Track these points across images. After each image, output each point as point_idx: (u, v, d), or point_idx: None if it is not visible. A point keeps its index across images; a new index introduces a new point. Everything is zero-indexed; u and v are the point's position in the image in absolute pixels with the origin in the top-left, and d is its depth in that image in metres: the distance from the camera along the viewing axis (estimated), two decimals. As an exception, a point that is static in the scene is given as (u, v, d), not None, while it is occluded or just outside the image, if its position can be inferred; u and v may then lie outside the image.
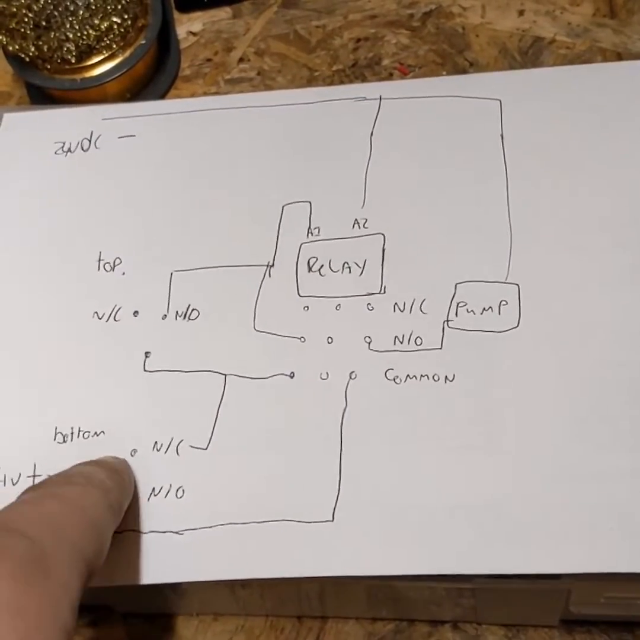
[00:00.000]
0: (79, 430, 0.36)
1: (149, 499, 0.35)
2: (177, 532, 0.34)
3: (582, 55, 0.47)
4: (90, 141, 0.42)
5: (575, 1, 0.49)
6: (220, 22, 0.51)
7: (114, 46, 0.46)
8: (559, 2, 0.49)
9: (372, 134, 0.40)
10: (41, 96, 0.48)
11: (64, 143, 0.42)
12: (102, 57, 0.46)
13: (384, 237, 0.38)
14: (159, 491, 0.35)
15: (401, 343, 0.36)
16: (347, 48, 0.49)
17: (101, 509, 0.30)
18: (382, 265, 0.37)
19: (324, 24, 0.50)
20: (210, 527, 0.34)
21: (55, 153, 0.41)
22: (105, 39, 0.46)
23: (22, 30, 0.45)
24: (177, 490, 0.35)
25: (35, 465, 0.36)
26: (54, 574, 0.25)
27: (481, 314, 0.36)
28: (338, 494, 0.33)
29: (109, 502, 0.31)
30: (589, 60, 0.47)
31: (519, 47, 0.48)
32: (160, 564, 0.34)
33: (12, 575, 0.24)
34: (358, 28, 0.50)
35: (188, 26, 0.51)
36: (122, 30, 0.46)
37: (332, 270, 0.37)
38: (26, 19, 0.45)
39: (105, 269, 0.39)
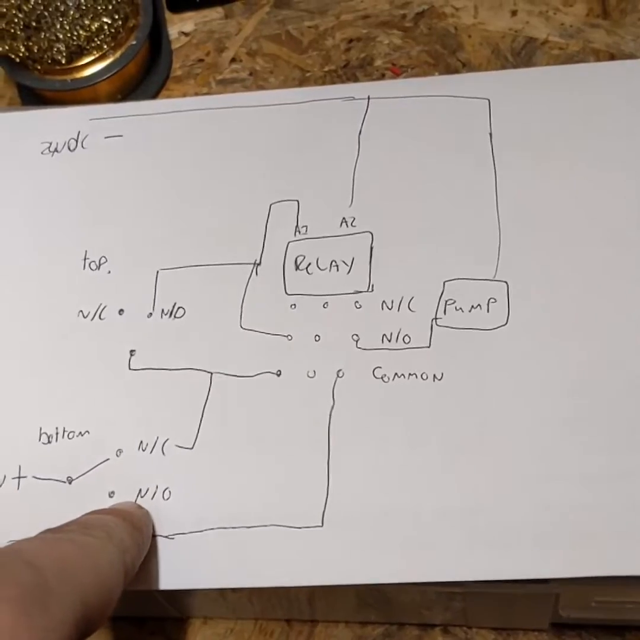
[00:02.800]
0: (64, 431, 0.35)
1: (136, 500, 0.34)
2: (167, 537, 0.34)
3: (575, 56, 0.47)
4: (77, 141, 0.41)
5: (568, 1, 0.49)
6: (212, 22, 0.51)
7: (105, 47, 0.46)
8: (552, 2, 0.49)
9: (360, 133, 0.40)
10: (32, 97, 0.48)
11: (50, 143, 0.41)
12: (92, 57, 0.46)
13: (372, 235, 0.37)
14: (146, 493, 0.34)
15: (389, 341, 0.35)
16: (339, 48, 0.49)
17: (115, 568, 0.29)
18: (370, 263, 0.37)
19: (316, 25, 0.50)
20: (199, 531, 0.33)
21: (42, 153, 0.41)
22: (95, 39, 0.45)
23: (12, 30, 0.45)
24: (164, 491, 0.34)
25: (20, 467, 0.35)
26: (52, 611, 0.25)
27: (470, 311, 0.35)
28: (327, 497, 0.33)
29: (124, 563, 0.30)
30: (582, 61, 0.47)
31: (511, 47, 0.48)
32: (151, 569, 0.33)
33: (14, 601, 0.24)
34: (350, 28, 0.50)
35: (180, 26, 0.51)
36: (113, 30, 0.46)
37: (319, 268, 0.37)
38: (16, 20, 0.45)
39: (90, 267, 0.39)
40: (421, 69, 0.48)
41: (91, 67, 0.46)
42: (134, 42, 0.47)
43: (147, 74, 0.49)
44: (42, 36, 0.45)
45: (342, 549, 0.32)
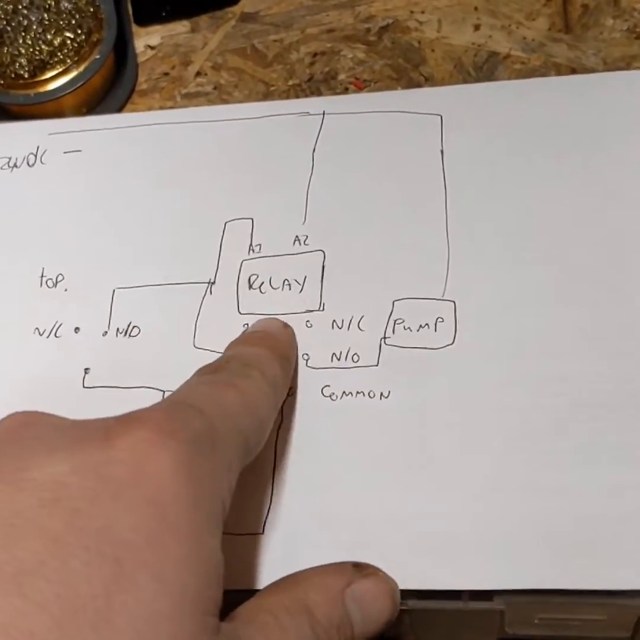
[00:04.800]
0: (17, 448, 0.36)
1: None
2: None
3: (537, 70, 0.47)
4: (36, 156, 0.42)
5: (531, 16, 0.49)
6: (178, 35, 0.51)
7: (68, 61, 0.46)
8: (514, 16, 0.49)
9: (314, 149, 0.40)
10: (-3, 110, 0.49)
11: (9, 158, 0.42)
12: (56, 72, 0.46)
13: (324, 253, 0.38)
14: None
15: (338, 360, 0.36)
16: (303, 62, 0.49)
17: (270, 410, 0.31)
18: (322, 282, 0.37)
19: (281, 38, 0.50)
20: None
21: (2, 168, 0.42)
22: (58, 54, 0.46)
23: (-25, 45, 0.46)
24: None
25: None
26: (220, 451, 0.27)
27: (417, 331, 0.36)
28: (269, 507, 0.33)
29: (277, 403, 0.32)
30: (544, 76, 0.47)
31: (474, 62, 0.48)
32: None
33: (189, 442, 0.26)
34: (315, 42, 0.50)
35: (146, 40, 0.51)
36: (76, 45, 0.46)
37: (272, 287, 0.37)
38: (-21, 35, 0.46)
39: (47, 285, 0.39)
40: (384, 83, 0.48)
41: (55, 81, 0.46)
42: (98, 57, 0.47)
43: (112, 88, 0.49)
44: (5, 51, 0.46)
45: (282, 555, 0.33)
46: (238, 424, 0.29)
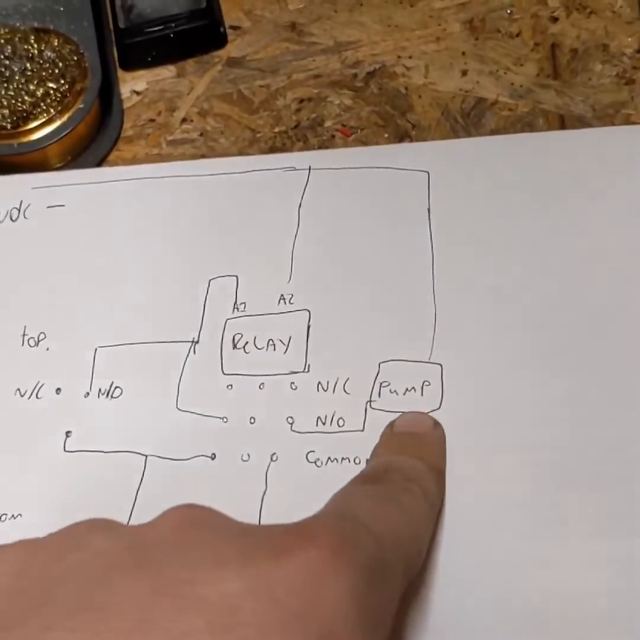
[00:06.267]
0: (-4, 514, 0.35)
1: None
2: None
3: (525, 118, 0.47)
4: (19, 211, 0.41)
5: (519, 61, 0.49)
6: (164, 80, 0.51)
7: (52, 111, 0.46)
8: (502, 61, 0.49)
9: (300, 205, 0.40)
10: (-19, 160, 0.48)
11: (-6, 213, 0.41)
12: (39, 122, 0.46)
13: (310, 313, 0.37)
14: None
15: (323, 424, 0.35)
16: (290, 109, 0.49)
17: (429, 531, 0.30)
18: (307, 342, 0.37)
19: (268, 84, 0.50)
20: None
21: None
22: (41, 104, 0.45)
23: (-42, 96, 0.45)
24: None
25: None
26: (389, 582, 0.25)
27: (404, 394, 0.35)
28: None
29: (434, 523, 0.31)
30: (532, 123, 0.47)
31: (461, 108, 0.48)
32: None
33: (362, 570, 0.23)
34: (301, 88, 0.50)
35: (132, 85, 0.51)
36: (59, 95, 0.46)
37: (256, 347, 0.37)
38: (-39, 86, 0.45)
39: (29, 344, 0.38)
40: (371, 130, 0.48)
41: (38, 132, 0.46)
42: (82, 106, 0.46)
43: (97, 135, 0.49)
44: (-13, 102, 0.45)
45: None
46: (405, 550, 0.27)
